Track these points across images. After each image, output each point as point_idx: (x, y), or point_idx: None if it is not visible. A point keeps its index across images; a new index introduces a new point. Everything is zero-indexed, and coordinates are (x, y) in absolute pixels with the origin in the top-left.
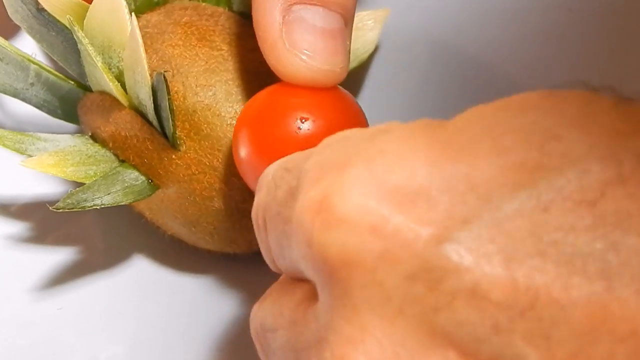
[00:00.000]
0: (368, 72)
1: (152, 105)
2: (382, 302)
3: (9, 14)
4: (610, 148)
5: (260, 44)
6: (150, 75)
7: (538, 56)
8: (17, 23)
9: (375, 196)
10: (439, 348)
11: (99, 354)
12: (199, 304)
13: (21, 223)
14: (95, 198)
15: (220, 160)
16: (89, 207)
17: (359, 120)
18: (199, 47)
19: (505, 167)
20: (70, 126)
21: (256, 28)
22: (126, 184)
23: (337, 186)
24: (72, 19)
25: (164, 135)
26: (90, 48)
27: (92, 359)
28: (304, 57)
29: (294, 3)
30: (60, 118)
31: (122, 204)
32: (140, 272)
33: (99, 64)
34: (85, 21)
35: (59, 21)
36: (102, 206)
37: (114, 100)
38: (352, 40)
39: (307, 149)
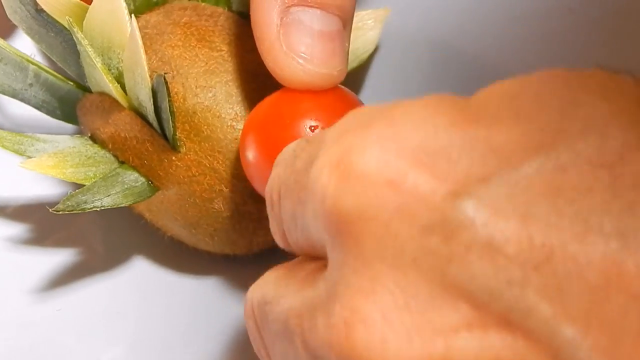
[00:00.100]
0: (368, 72)
1: (152, 106)
2: (395, 254)
3: (7, 14)
4: (631, 115)
5: (257, 45)
6: (150, 76)
7: (539, 56)
8: (16, 24)
9: (394, 153)
10: (450, 300)
11: (99, 355)
12: (199, 305)
13: (21, 225)
14: (95, 200)
15: (220, 162)
16: (88, 208)
17: None
18: (199, 47)
19: (526, 131)
20: (70, 127)
21: (254, 29)
22: (126, 186)
23: (357, 143)
24: (71, 19)
25: (164, 136)
26: (90, 49)
27: None
28: (301, 61)
29: (292, 5)
30: (59, 119)
31: (122, 205)
32: (140, 273)
33: (99, 65)
34: (84, 22)
35: (58, 22)
36: (102, 208)
37: (114, 101)
38: (352, 40)
39: None
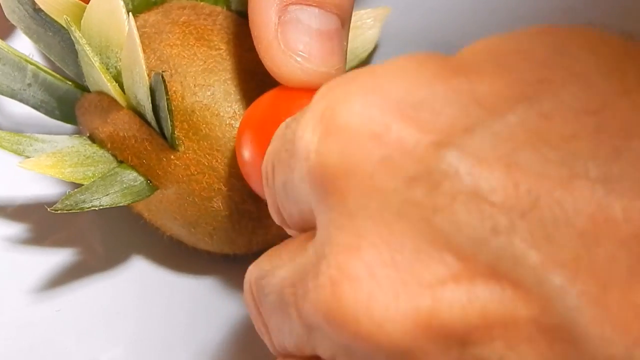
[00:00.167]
0: None
1: (151, 105)
2: (379, 208)
3: (5, 14)
4: (617, 64)
5: (255, 44)
6: (148, 75)
7: None
8: (14, 23)
9: (378, 106)
10: (436, 252)
11: (98, 355)
12: (198, 305)
13: (19, 224)
14: (94, 199)
15: (219, 161)
16: (87, 208)
17: None
18: (197, 46)
19: (509, 81)
20: (68, 127)
21: (252, 28)
22: (125, 185)
23: (340, 97)
24: (69, 19)
25: (163, 135)
26: (88, 48)
27: None
28: (299, 59)
29: (290, 3)
30: (58, 119)
31: (121, 205)
32: (140, 273)
33: (97, 64)
34: (82, 21)
35: (56, 21)
36: (101, 207)
37: (112, 100)
38: (351, 39)
39: None
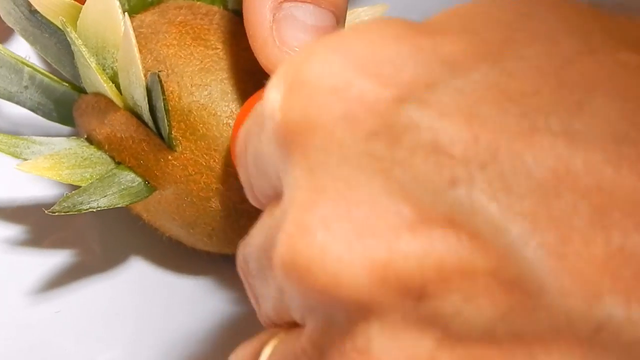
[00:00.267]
0: None
1: (147, 106)
2: (339, 163)
3: (1, 16)
4: (582, 24)
5: (250, 42)
6: (145, 75)
7: None
8: (10, 25)
9: (340, 62)
10: (393, 205)
11: (97, 356)
12: (197, 305)
13: (17, 226)
14: (92, 201)
15: (217, 161)
16: (85, 209)
17: None
18: (194, 46)
19: (474, 41)
20: (66, 129)
21: (247, 26)
22: (122, 186)
23: (304, 56)
24: (65, 20)
25: (160, 136)
26: (84, 49)
27: None
28: None
29: (285, 0)
30: (55, 121)
31: (119, 206)
32: (139, 274)
33: (93, 65)
34: (78, 22)
35: (52, 23)
36: (99, 209)
37: (109, 101)
38: None
39: None
